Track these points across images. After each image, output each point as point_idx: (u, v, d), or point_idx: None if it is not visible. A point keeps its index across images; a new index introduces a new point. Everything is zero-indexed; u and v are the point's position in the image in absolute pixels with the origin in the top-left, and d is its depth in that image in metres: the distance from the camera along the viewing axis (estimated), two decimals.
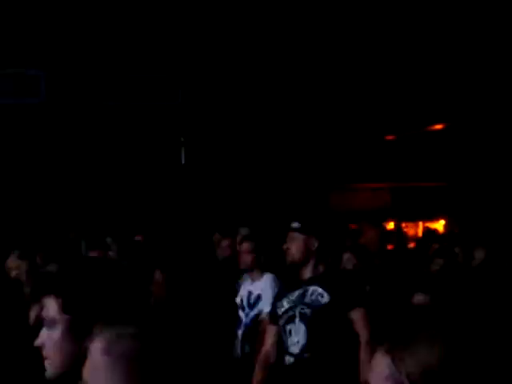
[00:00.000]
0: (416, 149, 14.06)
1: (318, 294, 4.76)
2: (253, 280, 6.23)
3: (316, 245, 4.96)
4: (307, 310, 4.79)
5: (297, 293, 4.88)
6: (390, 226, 12.67)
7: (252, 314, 6.09)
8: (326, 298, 4.74)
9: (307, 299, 4.80)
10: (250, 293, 6.22)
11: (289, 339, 4.84)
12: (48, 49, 10.49)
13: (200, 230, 9.40)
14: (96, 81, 10.73)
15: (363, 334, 4.61)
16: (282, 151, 12.97)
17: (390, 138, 13.75)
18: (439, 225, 14.99)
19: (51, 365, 2.15)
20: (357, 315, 4.67)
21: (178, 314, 5.85)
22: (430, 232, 12.51)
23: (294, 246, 5.00)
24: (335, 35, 11.05)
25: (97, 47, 10.53)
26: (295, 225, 5.14)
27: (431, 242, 9.77)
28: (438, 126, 12.98)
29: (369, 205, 14.42)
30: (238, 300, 6.39)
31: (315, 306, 4.76)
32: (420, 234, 14.69)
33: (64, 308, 2.13)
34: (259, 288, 6.15)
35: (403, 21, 10.81)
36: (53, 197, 12.27)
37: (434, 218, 15.20)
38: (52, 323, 2.16)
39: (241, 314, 6.35)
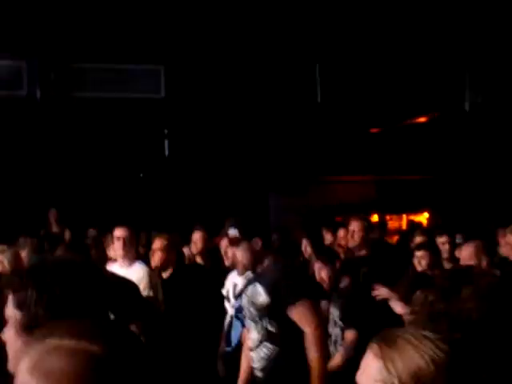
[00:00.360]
0: (401, 142, 14.08)
1: (258, 292, 4.89)
2: (238, 272, 6.25)
3: (260, 244, 5.12)
4: (250, 309, 4.95)
5: (248, 289, 5.02)
6: (375, 218, 12.67)
7: (237, 305, 6.11)
8: (263, 297, 4.86)
9: (249, 298, 4.94)
10: (235, 285, 6.25)
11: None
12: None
13: (184, 222, 9.36)
14: (72, 71, 10.63)
15: (306, 330, 4.66)
16: (265, 143, 12.97)
17: (374, 130, 13.76)
18: (423, 217, 15.04)
19: (10, 362, 2.14)
20: (294, 312, 4.74)
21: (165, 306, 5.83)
22: (413, 225, 12.57)
23: (239, 253, 5.20)
24: (317, 29, 11.02)
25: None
26: (233, 232, 5.33)
27: (414, 234, 9.79)
28: (422, 119, 12.99)
29: (353, 197, 14.44)
30: (224, 292, 6.45)
31: (254, 305, 4.90)
32: (404, 226, 14.74)
33: (15, 304, 2.11)
34: (244, 280, 6.16)
35: (386, 15, 10.80)
36: (34, 187, 12.19)
37: (418, 210, 15.25)
38: (8, 319, 2.15)
39: (227, 305, 6.41)
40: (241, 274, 6.00)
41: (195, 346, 6.06)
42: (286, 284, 4.82)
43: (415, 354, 1.63)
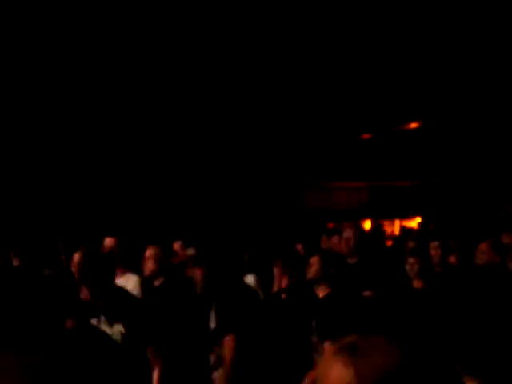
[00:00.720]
0: (392, 147, 14.15)
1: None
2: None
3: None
4: None
5: None
6: (367, 224, 12.74)
7: None
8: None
9: None
10: None
11: None
12: None
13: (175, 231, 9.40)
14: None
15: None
16: (259, 151, 13.00)
17: (366, 136, 13.82)
18: (415, 223, 15.10)
19: None
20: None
21: (160, 314, 5.87)
22: (406, 230, 12.61)
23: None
24: (313, 36, 11.08)
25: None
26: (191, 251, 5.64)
27: (407, 240, 9.84)
28: (414, 125, 13.07)
29: (347, 203, 14.50)
30: None
31: None
32: (396, 231, 14.79)
33: None
34: None
35: (380, 21, 10.86)
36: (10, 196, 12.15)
37: (411, 216, 15.31)
38: None
39: None
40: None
41: (186, 353, 6.09)
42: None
43: (380, 356, 1.61)
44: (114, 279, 4.35)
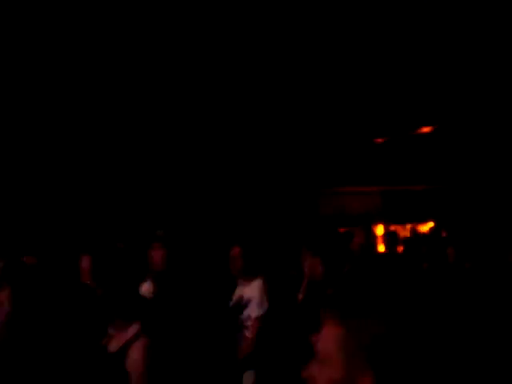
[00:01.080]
0: (405, 152, 14.11)
1: None
2: (244, 285, 6.28)
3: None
4: None
5: None
6: (380, 229, 12.70)
7: (241, 318, 6.14)
8: None
9: None
10: (241, 297, 6.28)
11: None
12: None
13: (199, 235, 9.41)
14: None
15: None
16: (272, 155, 12.99)
17: (379, 141, 13.79)
18: (427, 227, 15.05)
19: None
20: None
21: (172, 317, 5.90)
22: (418, 235, 12.56)
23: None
24: (324, 37, 11.07)
25: None
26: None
27: (420, 245, 9.81)
28: (427, 129, 13.03)
29: (359, 208, 14.46)
30: (231, 304, 6.47)
31: None
32: (408, 236, 14.74)
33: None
34: (249, 293, 6.20)
35: (392, 25, 10.85)
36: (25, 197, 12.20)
37: (423, 220, 15.26)
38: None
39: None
40: (245, 284, 6.07)
41: (197, 352, 6.11)
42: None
43: (375, 323, 1.87)
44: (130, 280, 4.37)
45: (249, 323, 5.98)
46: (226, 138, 12.21)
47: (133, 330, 3.75)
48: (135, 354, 3.45)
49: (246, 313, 6.07)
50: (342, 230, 13.07)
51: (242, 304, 6.21)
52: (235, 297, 6.45)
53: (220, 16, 10.16)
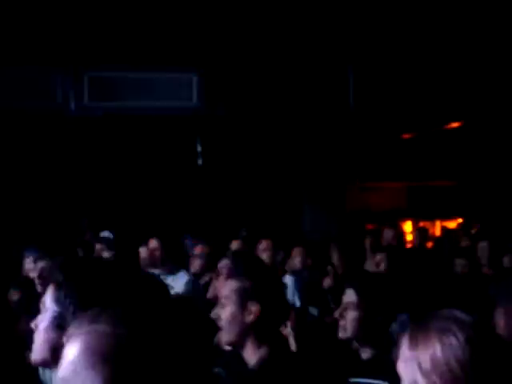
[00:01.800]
0: (433, 147, 13.98)
1: None
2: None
3: None
4: None
5: None
6: (408, 225, 12.60)
7: None
8: None
9: None
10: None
11: None
12: None
13: (219, 231, 9.38)
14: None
15: None
16: (298, 150, 12.92)
17: (406, 136, 13.68)
18: (456, 224, 14.92)
19: (33, 351, 2.17)
20: None
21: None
22: (448, 231, 12.45)
23: None
24: (350, 33, 11.00)
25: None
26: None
27: (450, 241, 9.71)
28: (455, 125, 12.90)
29: (386, 204, 14.36)
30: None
31: None
32: (437, 233, 14.62)
33: (54, 299, 2.13)
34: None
35: (419, 17, 10.75)
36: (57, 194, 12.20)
37: (451, 217, 15.12)
38: (43, 308, 2.19)
39: None
40: None
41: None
42: None
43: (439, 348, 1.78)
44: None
45: None
46: (254, 133, 12.15)
47: None
48: None
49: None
50: (369, 226, 12.99)
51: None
52: None
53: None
